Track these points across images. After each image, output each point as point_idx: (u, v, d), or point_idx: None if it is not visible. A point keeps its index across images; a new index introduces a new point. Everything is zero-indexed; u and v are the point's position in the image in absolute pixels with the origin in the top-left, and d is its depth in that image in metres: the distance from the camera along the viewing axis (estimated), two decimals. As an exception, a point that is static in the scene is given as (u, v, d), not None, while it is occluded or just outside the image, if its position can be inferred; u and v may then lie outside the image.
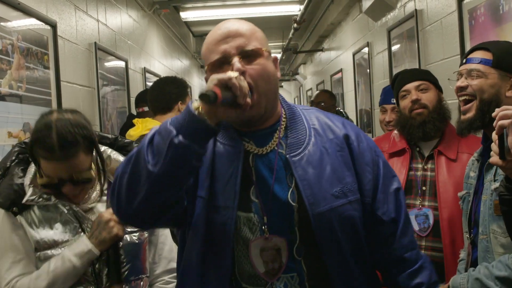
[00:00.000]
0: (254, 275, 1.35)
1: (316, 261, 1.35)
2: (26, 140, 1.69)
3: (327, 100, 4.48)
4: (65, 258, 1.60)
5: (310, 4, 5.72)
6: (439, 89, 2.41)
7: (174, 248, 1.84)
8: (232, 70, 1.29)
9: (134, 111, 4.24)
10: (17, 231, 1.63)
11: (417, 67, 3.48)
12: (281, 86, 15.67)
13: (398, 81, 2.48)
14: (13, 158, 1.69)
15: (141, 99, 3.68)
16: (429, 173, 2.27)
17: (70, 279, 1.61)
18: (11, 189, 1.62)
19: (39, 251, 1.63)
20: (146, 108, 3.50)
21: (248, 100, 1.27)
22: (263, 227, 1.34)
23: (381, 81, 4.67)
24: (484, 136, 1.81)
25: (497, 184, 1.55)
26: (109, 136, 1.83)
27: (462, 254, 1.90)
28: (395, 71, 3.64)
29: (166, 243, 1.85)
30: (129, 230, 1.70)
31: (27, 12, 2.69)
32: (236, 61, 1.31)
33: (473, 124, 1.74)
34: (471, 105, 1.75)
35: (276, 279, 1.34)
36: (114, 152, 1.77)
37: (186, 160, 1.22)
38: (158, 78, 3.29)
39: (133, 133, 2.88)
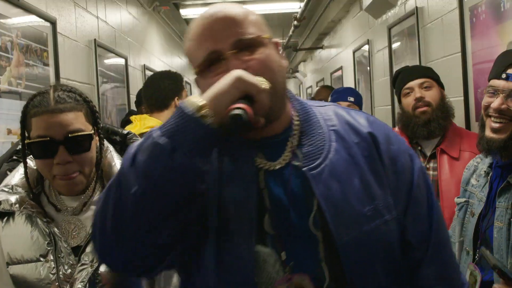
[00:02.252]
0: None
1: None
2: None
3: (328, 97, 4.46)
4: None
5: (310, 1, 5.71)
6: (441, 86, 2.40)
7: None
8: (227, 69, 1.02)
9: (134, 108, 4.23)
10: None
11: (418, 64, 3.47)
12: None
13: (400, 78, 2.46)
14: (7, 156, 1.55)
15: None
16: (431, 172, 2.26)
17: None
18: None
19: (10, 265, 1.41)
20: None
21: (262, 120, 1.02)
22: (284, 266, 1.06)
23: (382, 78, 4.66)
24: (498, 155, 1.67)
25: None
26: (120, 131, 1.60)
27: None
28: (395, 69, 3.63)
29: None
30: None
31: (27, 9, 2.67)
32: (232, 59, 1.04)
33: (507, 148, 1.59)
34: (506, 125, 1.58)
35: None
36: (116, 157, 1.53)
37: (189, 185, 0.97)
38: (151, 74, 3.24)
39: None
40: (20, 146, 1.48)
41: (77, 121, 1.38)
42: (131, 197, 0.95)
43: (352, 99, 3.27)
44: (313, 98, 4.70)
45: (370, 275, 1.07)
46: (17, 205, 1.43)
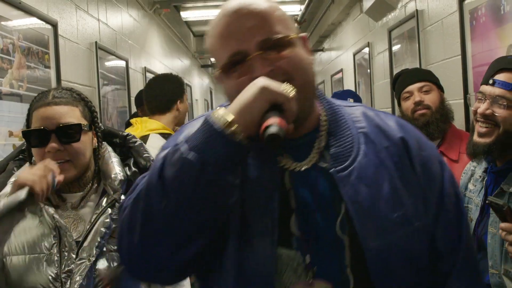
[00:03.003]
0: None
1: None
2: None
3: None
4: None
5: (311, 4, 5.73)
6: (441, 89, 2.41)
7: None
8: (253, 72, 0.99)
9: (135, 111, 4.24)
10: None
11: (418, 67, 3.48)
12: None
13: (400, 82, 2.47)
14: (14, 155, 1.59)
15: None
16: None
17: None
18: (2, 183, 1.49)
19: (9, 255, 1.45)
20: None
21: (292, 126, 0.98)
22: (307, 269, 1.01)
23: (382, 81, 4.67)
24: (492, 160, 1.70)
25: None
26: (119, 133, 1.65)
27: None
28: (395, 71, 3.64)
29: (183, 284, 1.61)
30: (111, 246, 1.47)
31: (28, 11, 2.68)
32: (258, 60, 0.99)
33: (491, 152, 1.63)
34: (491, 130, 1.62)
35: None
36: (113, 155, 1.58)
37: (219, 199, 0.95)
38: (153, 76, 3.24)
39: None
40: (24, 147, 1.56)
41: (72, 115, 1.48)
42: (160, 211, 0.93)
43: (351, 100, 3.33)
44: None
45: (397, 285, 1.02)
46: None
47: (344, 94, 3.46)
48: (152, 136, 2.68)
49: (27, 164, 1.55)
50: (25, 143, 1.58)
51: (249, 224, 1.01)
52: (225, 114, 0.93)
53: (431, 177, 1.08)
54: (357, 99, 3.44)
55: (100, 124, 1.58)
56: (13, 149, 2.42)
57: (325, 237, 1.02)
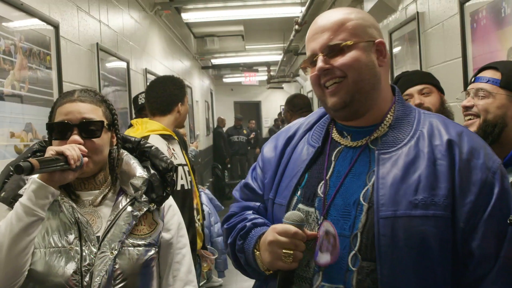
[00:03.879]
0: (302, 276, 1.28)
1: (371, 283, 1.17)
2: (46, 139, 1.61)
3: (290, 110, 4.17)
4: (16, 206, 1.41)
5: (312, 6, 5.72)
6: (441, 91, 2.42)
7: (193, 270, 1.73)
8: (315, 69, 1.29)
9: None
10: None
11: (419, 69, 3.49)
12: (282, 88, 15.66)
13: (400, 84, 2.48)
14: (29, 154, 1.59)
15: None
16: None
17: (31, 227, 1.40)
18: (16, 184, 1.52)
19: (36, 249, 1.49)
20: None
21: None
22: (319, 222, 1.26)
23: (382, 83, 4.67)
24: None
25: None
26: (132, 139, 1.75)
27: None
28: (396, 74, 3.64)
29: (183, 264, 1.69)
30: (131, 241, 1.54)
31: (30, 13, 2.69)
32: (319, 60, 1.28)
33: None
34: (473, 121, 1.74)
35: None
36: (132, 157, 1.67)
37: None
38: (155, 78, 3.25)
39: (132, 135, 2.82)
40: (36, 146, 1.61)
41: (95, 113, 1.56)
42: (235, 259, 1.42)
43: None
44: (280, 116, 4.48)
45: (397, 259, 1.15)
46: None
47: None
48: (152, 137, 2.69)
49: None
50: (36, 145, 1.62)
51: (279, 191, 1.36)
52: (264, 267, 1.31)
53: (473, 182, 1.19)
54: None
55: (118, 127, 1.66)
56: (15, 150, 2.43)
57: (347, 201, 1.24)
